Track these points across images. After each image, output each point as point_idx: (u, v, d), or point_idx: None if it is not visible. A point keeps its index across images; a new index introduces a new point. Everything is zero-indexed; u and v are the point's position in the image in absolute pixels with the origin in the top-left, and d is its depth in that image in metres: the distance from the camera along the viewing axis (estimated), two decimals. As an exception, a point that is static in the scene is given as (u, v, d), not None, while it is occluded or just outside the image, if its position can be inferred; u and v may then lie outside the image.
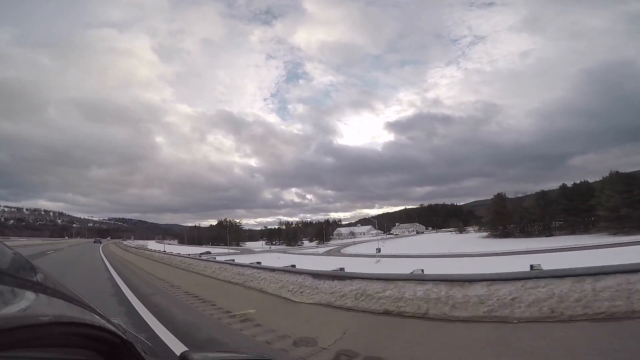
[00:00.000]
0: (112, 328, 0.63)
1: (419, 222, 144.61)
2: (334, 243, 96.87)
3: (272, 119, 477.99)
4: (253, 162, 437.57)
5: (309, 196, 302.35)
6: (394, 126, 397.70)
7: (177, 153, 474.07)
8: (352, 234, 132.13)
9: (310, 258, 52.95)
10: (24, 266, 0.61)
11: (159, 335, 4.34)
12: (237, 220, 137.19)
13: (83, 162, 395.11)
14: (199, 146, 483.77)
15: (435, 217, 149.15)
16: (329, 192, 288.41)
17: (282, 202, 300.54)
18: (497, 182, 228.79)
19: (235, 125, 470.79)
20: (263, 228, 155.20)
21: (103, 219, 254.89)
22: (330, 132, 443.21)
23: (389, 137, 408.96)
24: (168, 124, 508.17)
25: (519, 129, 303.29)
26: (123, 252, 29.33)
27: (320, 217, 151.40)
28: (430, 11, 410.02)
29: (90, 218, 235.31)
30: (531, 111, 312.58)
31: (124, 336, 0.66)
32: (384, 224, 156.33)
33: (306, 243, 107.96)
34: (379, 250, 41.69)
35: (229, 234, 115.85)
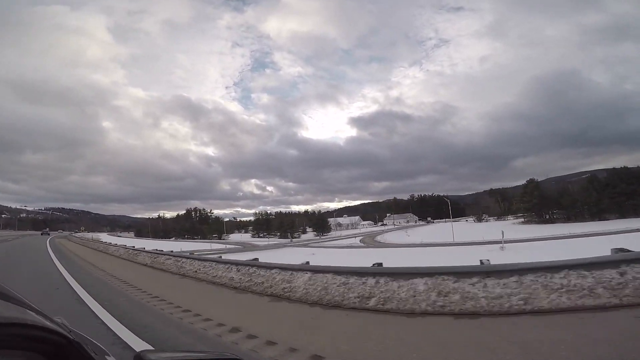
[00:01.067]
0: (56, 328, 0.58)
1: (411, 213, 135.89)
2: (337, 234, 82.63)
3: (234, 107, 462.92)
4: (211, 151, 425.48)
5: (269, 188, 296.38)
6: (357, 121, 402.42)
7: (127, 139, 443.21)
8: (353, 225, 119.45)
9: (369, 252, 39.19)
10: None
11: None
12: (208, 210, 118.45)
13: (14, 146, 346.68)
14: (152, 132, 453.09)
15: (427, 207, 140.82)
16: (291, 184, 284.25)
17: (241, 194, 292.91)
18: (448, 179, 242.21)
19: (193, 112, 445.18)
20: (233, 219, 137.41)
21: (39, 209, 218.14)
22: (294, 124, 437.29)
23: (352, 132, 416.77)
24: (118, 107, 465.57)
25: (471, 130, 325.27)
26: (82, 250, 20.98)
27: (281, 209, 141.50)
28: (403, 10, 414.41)
29: (24, 208, 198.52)
30: (483, 114, 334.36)
31: (69, 336, 0.61)
32: (375, 215, 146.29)
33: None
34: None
35: (199, 225, 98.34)
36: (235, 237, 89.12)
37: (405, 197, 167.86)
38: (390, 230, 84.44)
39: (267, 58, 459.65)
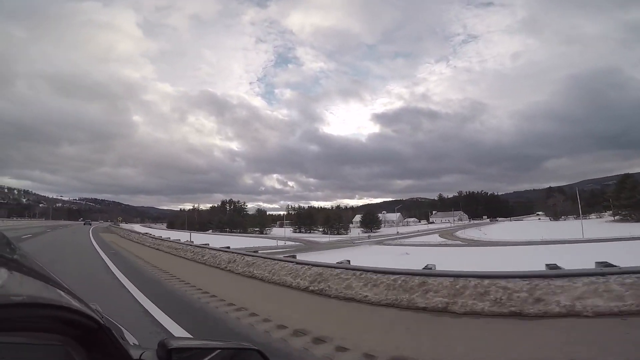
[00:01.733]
0: (90, 312, 0.60)
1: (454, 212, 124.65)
2: (389, 231, 74.01)
3: (258, 102, 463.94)
4: (234, 145, 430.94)
5: (290, 183, 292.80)
6: (380, 118, 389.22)
7: (155, 133, 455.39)
8: (406, 222, 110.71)
9: (483, 251, 30.94)
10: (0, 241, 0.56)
11: None
12: (243, 203, 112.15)
13: (52, 138, 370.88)
14: (179, 127, 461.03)
15: (476, 205, 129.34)
16: (311, 180, 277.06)
17: (263, 188, 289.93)
18: (474, 179, 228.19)
19: (218, 107, 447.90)
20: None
21: (73, 199, 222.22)
22: (316, 120, 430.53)
23: (375, 128, 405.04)
24: (147, 102, 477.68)
25: (501, 129, 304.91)
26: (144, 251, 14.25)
27: (301, 204, 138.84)
28: (431, 4, 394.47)
29: (59, 198, 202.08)
30: (514, 113, 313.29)
31: (101, 321, 0.62)
32: (415, 212, 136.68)
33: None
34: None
35: (238, 217, 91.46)
36: (277, 231, 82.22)
37: (450, 194, 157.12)
38: (458, 227, 74.52)
39: (290, 53, 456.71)
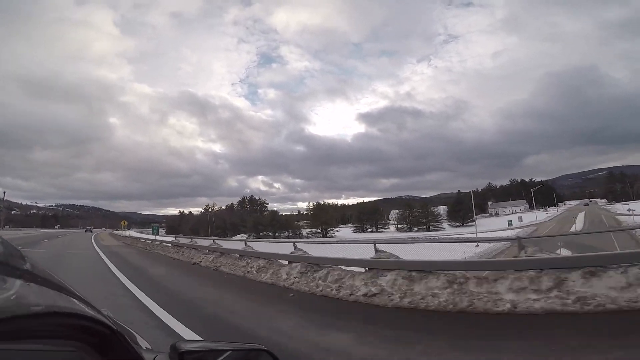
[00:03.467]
0: (103, 319, 0.62)
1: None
2: (489, 223, 55.22)
3: (241, 103, 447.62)
4: (218, 147, 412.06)
5: (276, 185, 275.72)
6: (365, 117, 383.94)
7: (134, 135, 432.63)
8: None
9: None
10: (13, 253, 0.58)
11: None
12: (263, 199, 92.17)
13: (24, 143, 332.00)
14: (159, 129, 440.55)
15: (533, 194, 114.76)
16: (297, 181, 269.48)
17: (248, 190, 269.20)
18: (457, 177, 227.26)
19: (199, 107, 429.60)
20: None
21: (50, 205, 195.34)
22: (302, 120, 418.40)
23: (360, 128, 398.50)
24: (124, 103, 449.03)
25: (482, 127, 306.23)
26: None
27: (288, 206, 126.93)
28: (417, 1, 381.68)
29: (34, 204, 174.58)
30: (495, 111, 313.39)
31: (113, 327, 0.64)
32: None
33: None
34: None
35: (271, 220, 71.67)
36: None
37: (502, 183, 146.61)
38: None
39: (274, 52, 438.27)
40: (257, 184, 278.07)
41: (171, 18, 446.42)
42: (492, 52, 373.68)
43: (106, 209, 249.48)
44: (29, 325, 0.43)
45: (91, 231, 55.63)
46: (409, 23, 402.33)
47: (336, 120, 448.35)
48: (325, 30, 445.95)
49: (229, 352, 0.82)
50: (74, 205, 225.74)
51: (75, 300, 0.58)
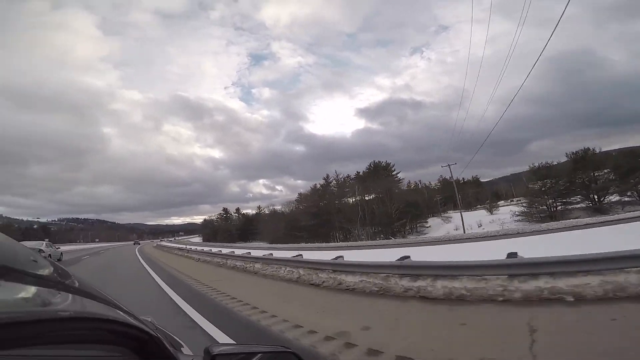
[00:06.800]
0: (140, 325, 0.66)
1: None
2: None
3: (236, 104, 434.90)
4: (216, 152, 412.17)
5: (278, 187, 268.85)
6: (364, 112, 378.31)
7: (129, 145, 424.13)
8: None
9: None
10: (44, 265, 0.62)
11: None
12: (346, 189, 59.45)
13: (18, 159, 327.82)
14: (154, 136, 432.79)
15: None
16: (299, 182, 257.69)
17: (250, 195, 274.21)
18: (459, 168, 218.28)
19: (193, 111, 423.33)
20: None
21: (52, 220, 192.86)
22: (299, 118, 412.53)
23: (360, 123, 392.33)
24: (116, 111, 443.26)
25: (483, 116, 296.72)
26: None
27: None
28: None
29: (36, 220, 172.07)
30: (495, 99, 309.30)
31: (151, 332, 0.69)
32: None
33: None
34: None
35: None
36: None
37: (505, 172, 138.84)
38: None
39: (265, 50, 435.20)
40: (259, 188, 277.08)
41: (154, 16, 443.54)
42: (488, 38, 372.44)
43: (111, 221, 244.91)
44: (58, 328, 0.45)
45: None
46: (405, 8, 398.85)
47: (334, 117, 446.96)
48: (315, 21, 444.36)
49: (259, 355, 0.85)
50: (77, 218, 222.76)
51: (110, 307, 0.63)
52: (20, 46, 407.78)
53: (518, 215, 39.87)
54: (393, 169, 58.79)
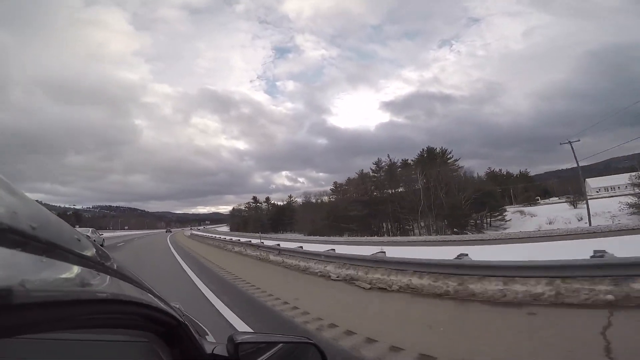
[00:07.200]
0: (169, 310, 0.66)
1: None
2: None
3: (261, 97, 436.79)
4: (241, 144, 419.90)
5: (300, 179, 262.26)
6: (390, 105, 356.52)
7: (160, 136, 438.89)
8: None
9: None
10: (87, 245, 0.61)
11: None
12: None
13: (58, 148, 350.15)
14: (183, 128, 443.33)
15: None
16: (321, 174, 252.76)
17: (274, 186, 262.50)
18: (492, 164, 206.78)
19: (220, 104, 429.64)
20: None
21: (87, 207, 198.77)
22: (323, 111, 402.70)
23: (385, 116, 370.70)
24: (147, 104, 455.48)
25: (517, 110, 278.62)
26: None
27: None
28: None
29: (72, 207, 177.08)
30: (530, 93, 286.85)
31: (180, 318, 0.69)
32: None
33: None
34: None
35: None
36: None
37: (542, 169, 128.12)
38: None
39: (289, 42, 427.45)
40: (282, 180, 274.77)
41: (182, 11, 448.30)
42: (523, 30, 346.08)
43: (141, 209, 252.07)
44: (94, 310, 0.45)
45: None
46: (429, 1, 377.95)
47: (358, 110, 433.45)
48: (339, 12, 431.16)
49: (280, 345, 0.88)
50: (110, 206, 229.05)
51: (144, 291, 0.62)
52: (58, 42, 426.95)
53: (630, 207, 32.32)
54: (450, 155, 51.44)
